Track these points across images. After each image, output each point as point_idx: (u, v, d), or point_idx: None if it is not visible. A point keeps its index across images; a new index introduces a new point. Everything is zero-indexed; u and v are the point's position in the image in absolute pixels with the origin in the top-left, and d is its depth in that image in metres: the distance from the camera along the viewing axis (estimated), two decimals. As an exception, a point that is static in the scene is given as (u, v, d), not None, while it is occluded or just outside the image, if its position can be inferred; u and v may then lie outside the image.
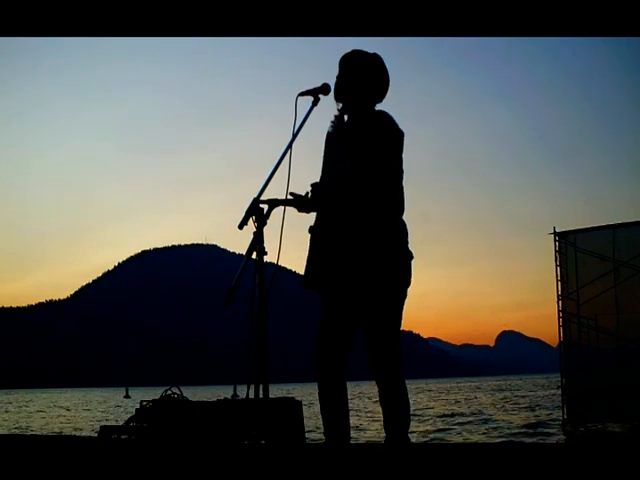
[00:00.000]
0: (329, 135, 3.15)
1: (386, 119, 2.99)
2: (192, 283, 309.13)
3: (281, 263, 2.67)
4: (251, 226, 2.58)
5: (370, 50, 3.09)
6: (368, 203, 2.90)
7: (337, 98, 3.07)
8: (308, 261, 3.03)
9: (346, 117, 3.11)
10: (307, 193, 2.92)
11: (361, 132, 2.97)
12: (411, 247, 3.05)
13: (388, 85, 3.10)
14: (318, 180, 3.15)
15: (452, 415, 18.85)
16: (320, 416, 3.06)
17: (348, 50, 3.09)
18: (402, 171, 3.00)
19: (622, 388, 11.13)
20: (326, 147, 3.17)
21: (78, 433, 15.84)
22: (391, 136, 2.96)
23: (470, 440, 11.63)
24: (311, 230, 3.06)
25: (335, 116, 3.11)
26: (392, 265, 2.93)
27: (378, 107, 3.09)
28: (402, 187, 3.00)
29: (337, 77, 3.06)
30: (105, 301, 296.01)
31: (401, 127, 2.99)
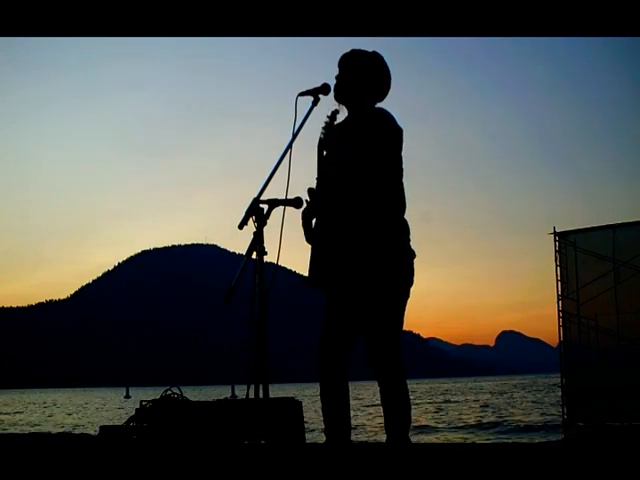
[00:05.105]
0: (321, 141, 3.14)
1: (385, 116, 2.99)
2: (192, 283, 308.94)
3: (281, 263, 2.67)
4: (251, 226, 2.58)
5: (370, 50, 3.09)
6: (369, 201, 2.90)
7: (337, 98, 3.06)
8: (312, 259, 3.03)
9: (342, 117, 3.11)
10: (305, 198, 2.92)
11: (360, 130, 2.96)
12: (412, 246, 3.05)
13: (389, 83, 3.09)
14: (313, 185, 3.16)
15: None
16: (321, 416, 3.06)
17: (348, 50, 3.09)
18: (402, 169, 3.00)
19: (622, 388, 11.12)
20: (319, 153, 3.14)
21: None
22: (390, 134, 2.95)
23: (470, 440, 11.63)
24: (313, 231, 3.06)
25: (325, 122, 3.11)
26: (394, 264, 2.93)
27: (378, 105, 3.09)
28: (402, 185, 3.00)
29: (336, 77, 3.06)
30: (105, 301, 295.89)
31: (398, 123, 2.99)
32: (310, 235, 3.07)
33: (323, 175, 3.11)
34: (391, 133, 2.96)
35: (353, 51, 3.07)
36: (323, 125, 3.11)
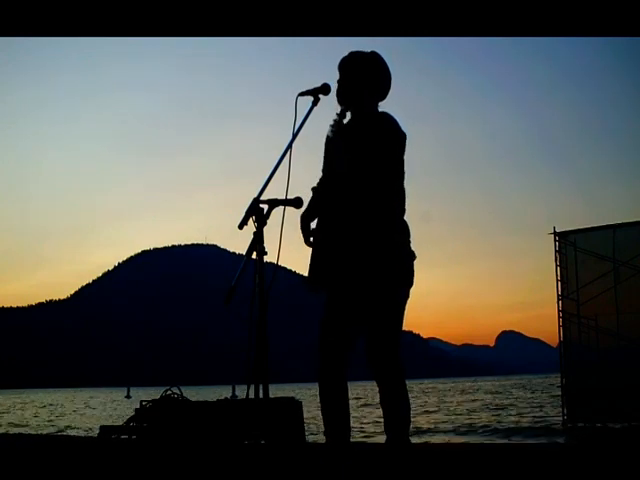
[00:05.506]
0: (329, 139, 3.15)
1: (388, 120, 2.99)
2: (192, 283, 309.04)
3: (281, 263, 2.67)
4: (251, 226, 2.58)
5: (369, 50, 3.09)
6: (366, 198, 2.90)
7: (340, 102, 3.07)
8: (312, 259, 3.03)
9: (346, 119, 3.11)
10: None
11: (363, 132, 2.96)
12: (412, 247, 3.05)
13: (389, 82, 3.10)
14: (316, 183, 3.18)
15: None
16: (321, 416, 3.05)
17: (347, 51, 3.09)
18: (403, 172, 3.00)
19: (622, 388, 11.12)
20: (326, 150, 3.17)
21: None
22: (392, 137, 2.95)
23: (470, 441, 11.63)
24: (313, 232, 3.07)
25: (334, 120, 3.11)
26: (394, 265, 2.92)
27: (382, 106, 3.10)
28: (403, 188, 3.00)
29: (338, 82, 3.06)
30: (105, 301, 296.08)
31: (402, 128, 3.00)
32: (308, 237, 3.08)
33: (326, 171, 3.13)
34: (392, 134, 2.96)
35: (351, 53, 3.07)
36: (331, 123, 3.12)
